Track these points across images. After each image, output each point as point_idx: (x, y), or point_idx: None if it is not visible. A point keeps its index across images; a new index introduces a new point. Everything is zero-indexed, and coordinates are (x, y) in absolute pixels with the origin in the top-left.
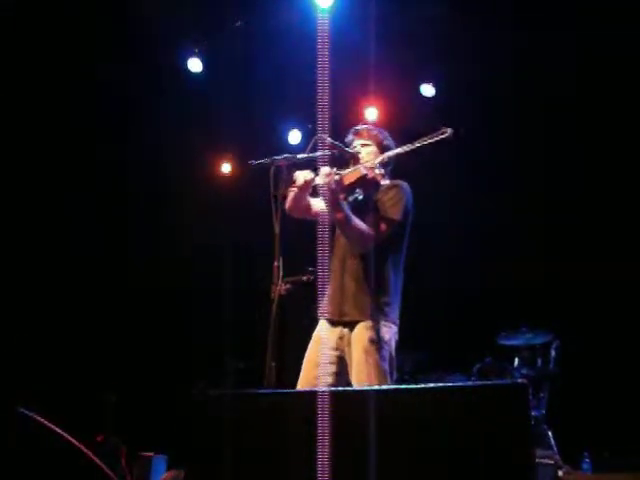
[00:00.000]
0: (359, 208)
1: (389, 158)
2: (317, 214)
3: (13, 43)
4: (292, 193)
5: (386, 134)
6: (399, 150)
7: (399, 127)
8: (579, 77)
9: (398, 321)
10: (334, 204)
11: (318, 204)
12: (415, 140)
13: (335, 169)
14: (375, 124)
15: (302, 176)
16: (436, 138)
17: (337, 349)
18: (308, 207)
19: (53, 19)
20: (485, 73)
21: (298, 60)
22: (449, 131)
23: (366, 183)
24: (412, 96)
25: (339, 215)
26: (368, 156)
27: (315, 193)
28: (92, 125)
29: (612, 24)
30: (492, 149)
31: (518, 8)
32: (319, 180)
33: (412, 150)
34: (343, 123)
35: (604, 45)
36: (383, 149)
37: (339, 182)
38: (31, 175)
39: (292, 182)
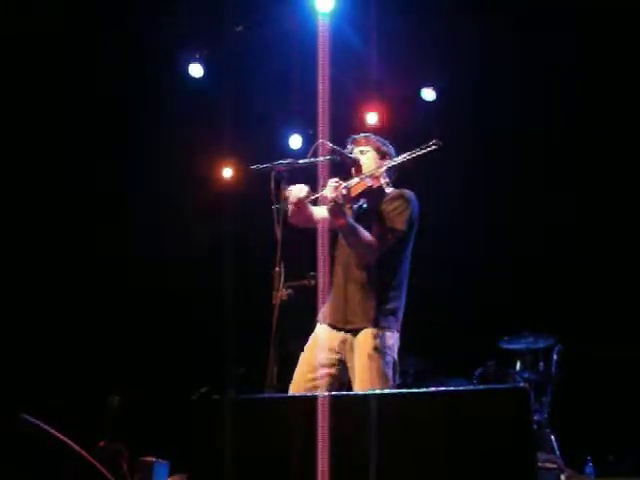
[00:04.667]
0: (363, 217)
1: (391, 167)
2: (319, 222)
3: (14, 44)
4: (290, 207)
5: (384, 140)
6: (399, 159)
7: (400, 131)
8: (581, 76)
9: (400, 328)
10: (340, 216)
11: (321, 212)
12: (414, 148)
13: (344, 184)
14: (375, 129)
15: (295, 193)
16: (427, 150)
17: (338, 352)
18: (310, 217)
19: (54, 23)
20: (486, 77)
21: (299, 65)
22: (439, 143)
23: (371, 193)
24: (413, 100)
25: (345, 227)
26: (368, 161)
27: (317, 202)
28: (93, 129)
29: (616, 26)
30: (493, 151)
31: (519, 10)
32: (327, 192)
33: (412, 159)
34: (344, 128)
35: (607, 46)
36: (382, 155)
37: (346, 195)
38: (32, 176)
39: (285, 198)
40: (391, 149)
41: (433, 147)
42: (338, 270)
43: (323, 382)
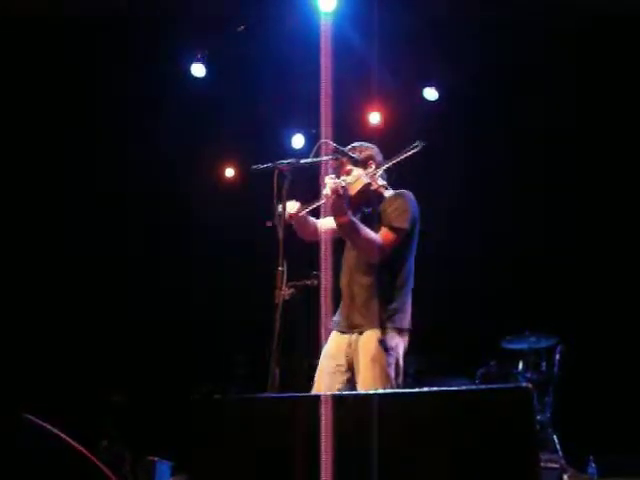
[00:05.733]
0: (366, 222)
1: (387, 169)
2: (325, 233)
3: (15, 45)
4: (293, 223)
5: (377, 150)
6: (390, 162)
7: (402, 131)
8: (580, 76)
9: (409, 327)
10: (342, 211)
11: (326, 224)
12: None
13: (342, 179)
14: (377, 129)
15: (288, 209)
16: (410, 152)
17: (347, 357)
18: (315, 230)
19: (54, 23)
20: (487, 76)
21: (301, 64)
22: (421, 143)
23: (369, 194)
24: (415, 100)
25: (347, 224)
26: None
27: (318, 213)
28: (94, 129)
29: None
30: (494, 151)
31: (519, 10)
32: (326, 190)
33: (399, 162)
34: (347, 127)
35: (606, 45)
36: (376, 164)
37: (345, 189)
38: (34, 177)
39: (279, 216)
40: (382, 158)
41: (416, 149)
42: (344, 275)
43: (339, 388)
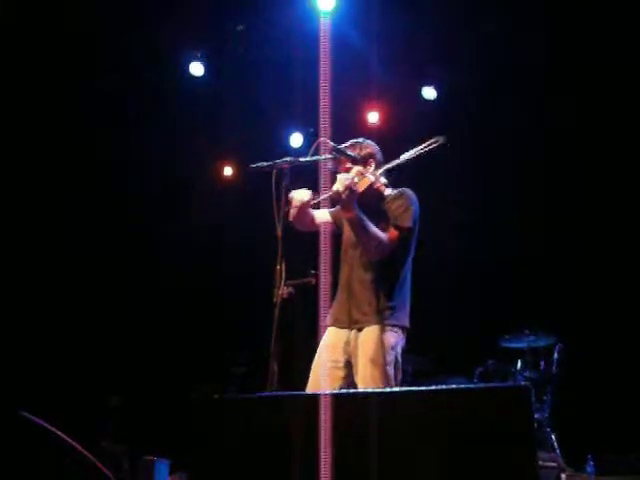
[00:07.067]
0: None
1: (391, 168)
2: (321, 225)
3: (16, 45)
4: (292, 211)
5: (377, 148)
6: (399, 161)
7: (401, 130)
8: (579, 77)
9: (407, 325)
10: (352, 208)
11: (322, 216)
12: (411, 148)
13: (352, 177)
14: (375, 128)
15: (299, 197)
16: (430, 147)
17: (345, 353)
18: (312, 220)
19: (57, 25)
20: (486, 76)
21: (300, 63)
22: (441, 139)
23: (372, 192)
24: (414, 99)
25: (355, 220)
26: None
27: (318, 206)
28: (94, 129)
29: (613, 28)
30: (493, 151)
31: (518, 10)
32: (338, 186)
33: (411, 159)
34: (345, 126)
35: (605, 47)
36: (377, 162)
37: (356, 185)
38: (34, 177)
39: (289, 202)
40: (382, 157)
41: (435, 144)
42: (344, 272)
43: (336, 385)
